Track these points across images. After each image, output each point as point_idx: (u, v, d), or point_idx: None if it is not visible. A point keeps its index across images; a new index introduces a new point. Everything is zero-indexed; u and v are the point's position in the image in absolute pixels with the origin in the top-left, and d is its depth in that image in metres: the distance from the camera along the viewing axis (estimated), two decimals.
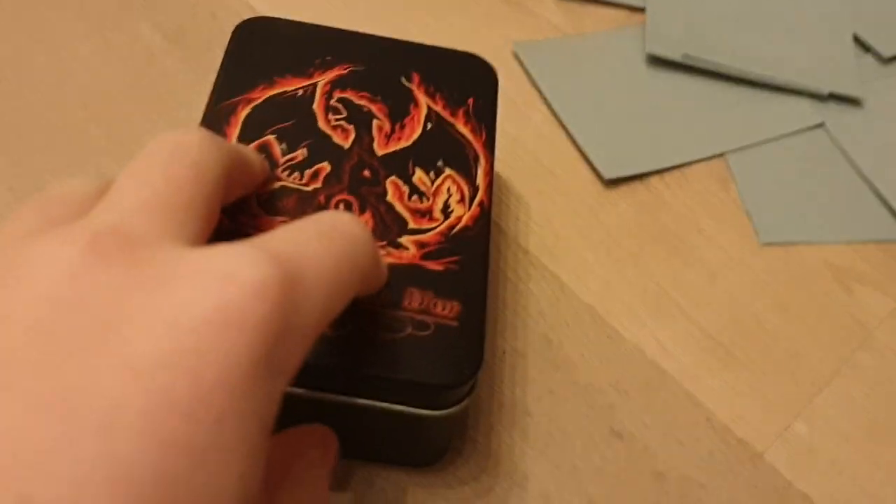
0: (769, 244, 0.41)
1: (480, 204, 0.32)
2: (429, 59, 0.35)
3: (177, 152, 0.21)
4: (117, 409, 0.16)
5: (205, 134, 0.23)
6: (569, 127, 0.43)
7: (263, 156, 0.30)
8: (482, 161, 0.33)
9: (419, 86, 0.34)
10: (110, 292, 0.17)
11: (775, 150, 0.44)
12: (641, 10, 0.49)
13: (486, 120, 0.34)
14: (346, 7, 0.47)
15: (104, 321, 0.17)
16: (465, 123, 0.34)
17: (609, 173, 0.42)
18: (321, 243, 0.21)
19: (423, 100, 0.34)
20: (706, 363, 0.37)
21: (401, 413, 0.28)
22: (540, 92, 0.45)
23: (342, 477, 0.32)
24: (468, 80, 0.35)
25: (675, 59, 0.46)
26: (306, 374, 0.22)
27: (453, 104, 0.34)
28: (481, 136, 0.34)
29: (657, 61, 0.47)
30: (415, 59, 0.35)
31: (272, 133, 0.31)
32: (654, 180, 0.43)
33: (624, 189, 0.42)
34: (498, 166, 0.41)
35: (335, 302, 0.21)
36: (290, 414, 0.22)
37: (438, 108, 0.34)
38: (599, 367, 0.36)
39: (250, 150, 0.30)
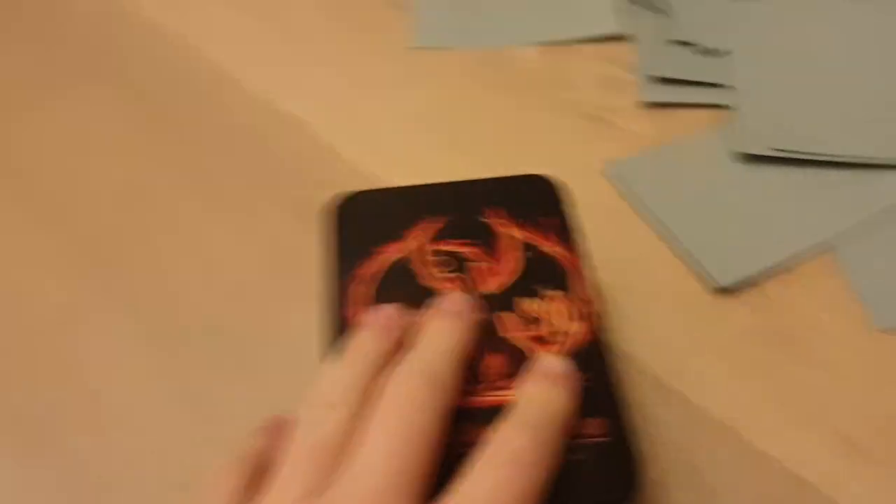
0: (887, 329, 0.42)
1: (591, 317, 0.34)
2: (502, 189, 0.38)
3: (401, 415, 0.27)
4: None
5: (426, 381, 0.28)
6: (679, 237, 0.45)
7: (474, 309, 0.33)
8: (582, 276, 0.35)
9: (503, 219, 0.37)
10: None
11: (883, 230, 0.45)
12: (726, 107, 0.50)
13: (571, 234, 0.37)
14: (448, 148, 0.51)
15: None
16: (556, 243, 0.36)
17: (724, 280, 0.43)
18: (496, 489, 0.26)
19: (510, 231, 0.37)
20: (846, 466, 0.38)
21: None
22: (633, 209, 0.47)
23: None
24: (542, 200, 0.38)
25: (765, 154, 0.47)
26: None
27: (537, 226, 0.37)
28: (574, 251, 0.36)
29: (750, 158, 0.48)
30: (492, 193, 0.38)
31: (392, 303, 0.34)
32: (764, 283, 0.44)
33: (736, 296, 0.43)
34: (612, 294, 0.44)
35: None
36: None
37: (526, 234, 0.36)
38: (741, 486, 0.37)
39: (459, 324, 0.32)
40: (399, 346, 0.31)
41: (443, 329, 0.32)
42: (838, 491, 0.37)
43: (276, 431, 0.30)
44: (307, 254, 0.39)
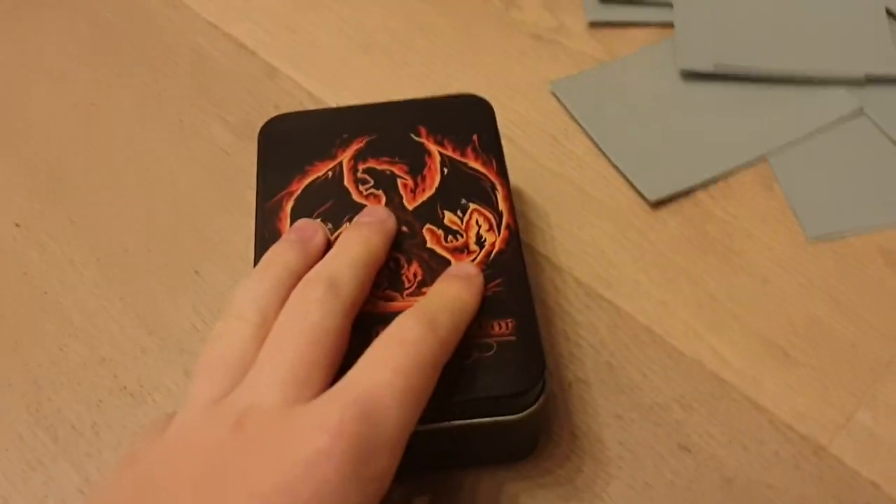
0: (818, 238, 0.43)
1: (507, 226, 0.36)
2: (430, 110, 0.40)
3: (301, 320, 0.29)
4: None
5: (324, 289, 0.30)
6: (609, 154, 0.46)
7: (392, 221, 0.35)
8: (499, 188, 0.37)
9: (427, 137, 0.39)
10: (244, 454, 0.26)
11: (816, 144, 0.46)
12: (670, 25, 0.51)
13: (493, 150, 0.38)
14: (392, 69, 0.51)
15: (239, 473, 0.25)
16: (476, 159, 0.38)
17: (653, 195, 0.44)
18: (390, 369, 0.28)
19: (434, 149, 0.38)
20: (764, 367, 0.39)
21: (488, 424, 0.33)
22: (580, 125, 0.48)
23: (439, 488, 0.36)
24: (469, 119, 0.39)
25: (708, 70, 0.48)
26: None
27: (461, 145, 0.38)
28: (492, 165, 0.38)
29: (691, 74, 0.48)
30: (419, 114, 0.40)
31: (317, 217, 0.36)
32: (699, 194, 0.45)
33: (671, 207, 0.44)
34: (546, 203, 0.45)
35: (413, 407, 0.28)
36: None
37: (449, 151, 0.38)
38: (663, 385, 0.39)
39: (372, 234, 0.34)
40: (316, 258, 0.33)
41: (351, 238, 0.33)
42: (756, 389, 0.38)
43: None
44: (248, 172, 0.40)
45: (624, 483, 0.36)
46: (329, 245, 0.34)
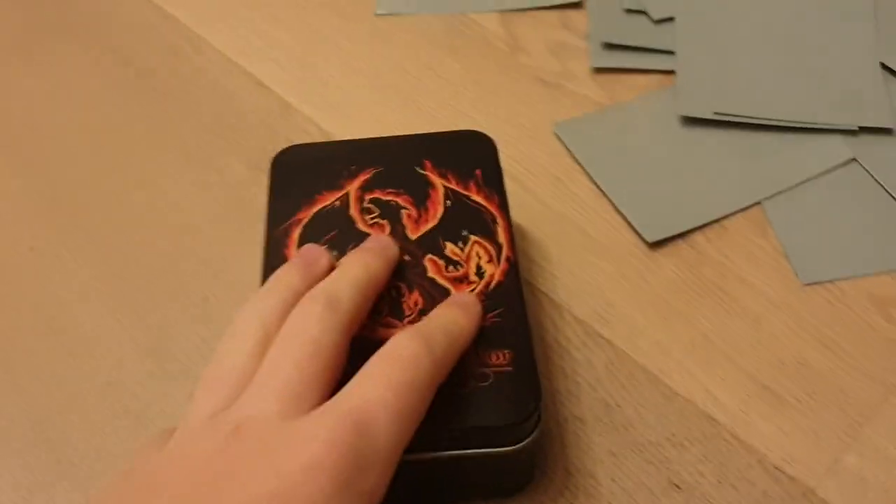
0: (810, 284, 0.44)
1: (507, 259, 0.37)
2: (435, 144, 0.41)
3: (300, 334, 0.30)
4: None
5: (323, 305, 0.31)
6: (609, 196, 0.47)
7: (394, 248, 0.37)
8: (500, 221, 0.38)
9: (432, 170, 0.40)
10: (239, 462, 0.26)
11: (810, 191, 0.47)
12: (673, 72, 0.52)
13: (495, 185, 0.40)
14: (400, 110, 0.53)
15: (234, 478, 0.26)
16: (478, 192, 0.39)
17: (652, 237, 0.45)
18: (384, 385, 0.28)
19: (437, 182, 0.40)
20: (755, 408, 0.40)
21: (481, 455, 0.33)
22: (581, 168, 0.49)
23: None
24: (472, 155, 0.41)
25: (708, 117, 0.49)
26: None
27: (464, 179, 0.40)
28: (494, 200, 0.39)
29: (690, 121, 0.50)
30: (424, 148, 0.41)
31: (323, 244, 0.37)
32: (695, 237, 0.46)
33: (668, 249, 0.46)
34: (548, 242, 0.46)
35: (406, 424, 0.29)
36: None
37: (452, 185, 0.39)
38: (656, 423, 0.40)
39: (372, 259, 0.35)
40: (319, 281, 0.34)
41: (352, 260, 0.35)
42: (746, 429, 0.39)
43: None
44: (259, 204, 0.42)
45: None
46: (333, 270, 0.35)
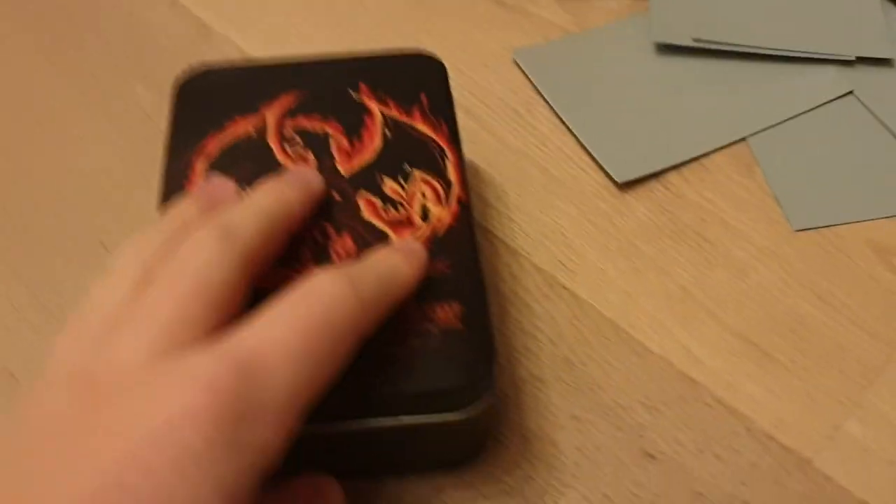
0: (803, 230, 0.38)
1: (458, 199, 0.31)
2: (373, 66, 0.35)
3: (183, 268, 0.24)
4: (73, 497, 0.19)
5: (217, 234, 0.25)
6: (575, 131, 0.41)
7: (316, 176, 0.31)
8: (449, 155, 0.32)
9: (369, 95, 0.34)
10: (93, 420, 0.21)
11: (801, 127, 0.41)
12: None
13: (443, 113, 0.33)
14: (339, 27, 0.47)
15: (82, 442, 0.21)
16: (423, 121, 0.33)
17: (621, 176, 0.40)
18: (286, 324, 0.23)
19: (375, 108, 0.33)
20: (741, 368, 0.34)
21: (426, 423, 0.28)
22: (545, 99, 0.43)
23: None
24: (417, 78, 0.35)
25: (685, 45, 0.44)
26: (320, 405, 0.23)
27: (406, 105, 0.33)
28: (442, 130, 0.33)
29: (665, 49, 0.44)
30: (360, 70, 0.35)
31: (233, 180, 0.31)
32: (671, 177, 0.40)
33: (640, 190, 0.40)
34: (505, 182, 0.40)
35: (311, 371, 0.23)
36: (310, 451, 0.24)
37: (392, 112, 0.33)
38: (626, 384, 0.34)
39: (287, 190, 0.29)
40: None
41: (261, 189, 0.29)
42: (731, 392, 0.34)
43: None
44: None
45: (580, 494, 0.32)
46: None
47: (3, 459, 0.21)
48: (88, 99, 0.43)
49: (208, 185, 0.30)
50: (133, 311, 0.24)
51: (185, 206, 0.28)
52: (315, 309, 0.23)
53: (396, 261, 0.28)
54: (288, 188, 0.29)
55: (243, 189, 0.30)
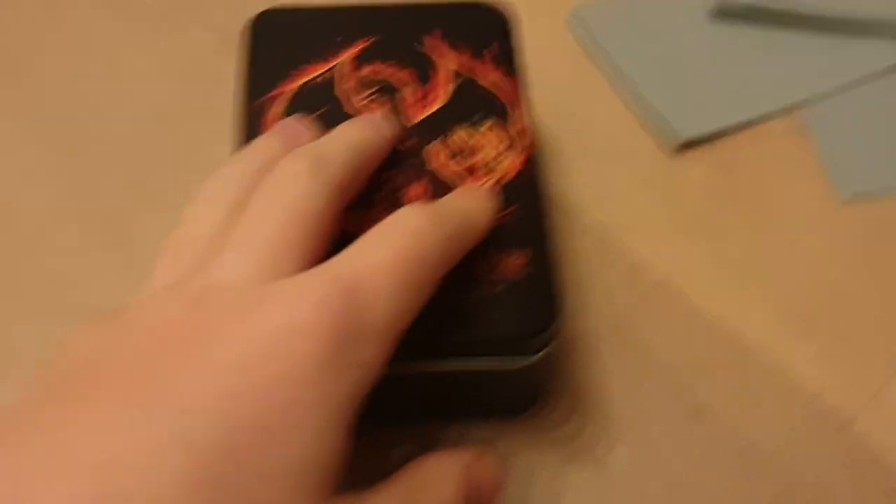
0: (851, 200, 0.39)
1: (525, 149, 0.32)
2: (443, 14, 0.35)
3: (280, 195, 0.25)
4: (196, 396, 0.20)
5: (309, 164, 0.26)
6: (631, 92, 0.42)
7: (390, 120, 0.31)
8: (517, 105, 0.33)
9: (440, 43, 0.34)
10: (207, 325, 0.22)
11: (854, 97, 0.42)
12: None
13: (511, 64, 0.34)
14: None
15: (197, 344, 0.21)
16: (492, 71, 0.33)
17: (686, 132, 0.40)
18: (387, 250, 0.24)
19: (445, 56, 0.34)
20: (788, 333, 0.36)
21: (488, 370, 0.29)
22: (593, 62, 0.43)
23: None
24: (485, 28, 0.35)
25: (743, 7, 0.44)
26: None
27: (476, 55, 0.34)
28: (509, 80, 0.33)
29: (724, 11, 0.44)
30: (429, 18, 0.35)
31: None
32: (724, 142, 0.41)
33: (693, 154, 0.41)
34: (560, 141, 0.41)
35: (411, 298, 0.24)
36: (389, 389, 0.24)
37: (462, 61, 0.34)
38: (676, 344, 0.35)
39: (368, 129, 0.30)
40: None
41: (347, 128, 0.29)
42: (777, 356, 0.35)
43: None
44: (232, 81, 0.36)
45: (628, 448, 0.33)
46: None
47: (98, 364, 0.22)
48: (148, 39, 0.44)
49: (288, 124, 0.30)
50: (232, 234, 0.24)
51: (268, 141, 0.29)
52: (408, 240, 0.24)
53: (471, 203, 0.28)
54: (368, 129, 0.30)
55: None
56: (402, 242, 0.24)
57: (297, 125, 0.30)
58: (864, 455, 0.33)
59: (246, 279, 0.23)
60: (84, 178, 0.39)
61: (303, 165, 0.25)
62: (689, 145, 0.41)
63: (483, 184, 0.30)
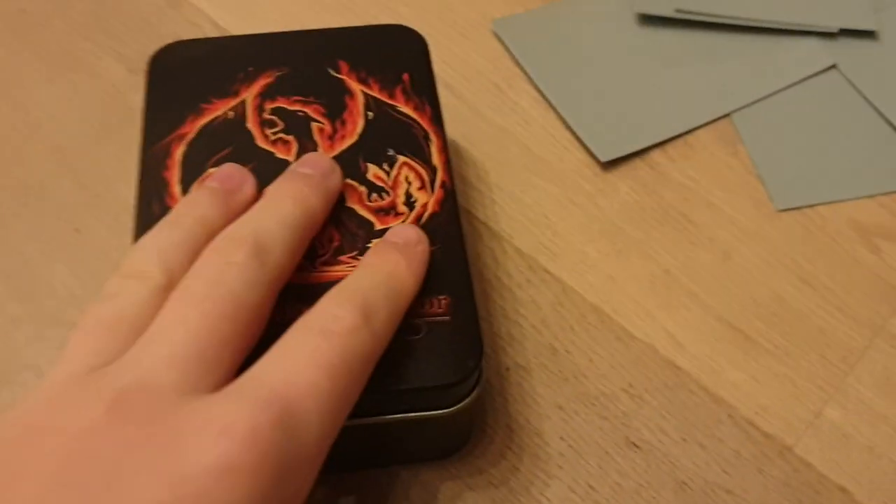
0: (786, 209, 0.38)
1: (443, 185, 0.30)
2: (353, 41, 0.34)
3: (215, 285, 0.23)
4: None
5: (248, 252, 0.24)
6: (557, 108, 0.41)
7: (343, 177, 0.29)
8: (433, 138, 0.31)
9: (349, 73, 0.33)
10: (123, 448, 0.20)
11: (785, 102, 0.41)
12: None
13: (426, 93, 0.32)
14: (315, 3, 0.45)
15: (115, 474, 0.19)
16: (406, 102, 0.32)
17: (605, 155, 0.39)
18: (314, 365, 0.22)
19: (356, 88, 0.32)
20: (724, 353, 0.35)
21: (414, 419, 0.28)
22: (525, 72, 0.42)
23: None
24: (398, 55, 0.33)
25: (668, 15, 0.43)
26: None
27: (388, 84, 0.32)
28: (425, 111, 0.32)
29: (649, 20, 0.43)
30: (339, 46, 0.34)
31: (213, 166, 0.30)
32: (655, 154, 0.40)
33: (623, 169, 0.39)
34: (485, 161, 0.40)
35: (339, 414, 0.23)
36: None
37: (374, 92, 0.32)
38: (610, 372, 0.34)
39: (311, 194, 0.28)
40: (238, 215, 0.27)
41: (284, 191, 0.27)
42: (714, 378, 0.34)
43: None
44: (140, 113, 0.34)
45: (565, 485, 0.32)
46: (256, 200, 0.28)
47: (39, 466, 0.20)
48: (55, 73, 0.42)
49: (225, 175, 0.28)
50: (160, 322, 0.23)
51: (201, 198, 0.27)
52: (334, 345, 0.23)
53: (401, 268, 0.27)
54: (311, 190, 0.28)
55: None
56: (328, 356, 0.23)
57: (235, 175, 0.28)
58: (806, 479, 0.32)
59: (170, 385, 0.21)
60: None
61: (243, 254, 0.24)
62: (619, 160, 0.39)
63: (399, 223, 0.29)
